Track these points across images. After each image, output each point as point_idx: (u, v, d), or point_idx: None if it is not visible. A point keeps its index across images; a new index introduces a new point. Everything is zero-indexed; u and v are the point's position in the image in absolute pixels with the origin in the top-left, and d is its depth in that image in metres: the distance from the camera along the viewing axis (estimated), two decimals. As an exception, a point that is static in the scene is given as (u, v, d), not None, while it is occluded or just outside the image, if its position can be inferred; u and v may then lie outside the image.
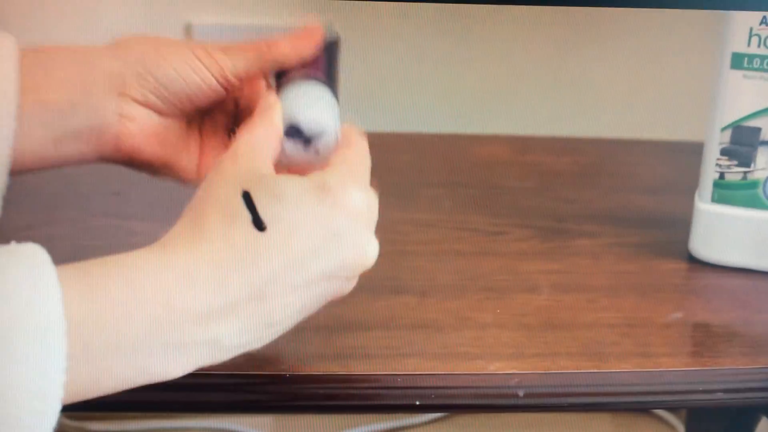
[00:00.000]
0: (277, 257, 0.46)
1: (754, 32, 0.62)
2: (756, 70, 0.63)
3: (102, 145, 0.53)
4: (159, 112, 0.54)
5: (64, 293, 0.41)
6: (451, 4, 0.84)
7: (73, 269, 0.43)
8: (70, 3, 0.85)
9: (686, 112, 0.80)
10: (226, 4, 0.91)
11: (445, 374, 0.55)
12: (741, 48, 0.63)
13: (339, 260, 0.48)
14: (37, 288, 0.40)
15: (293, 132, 0.52)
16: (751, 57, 0.63)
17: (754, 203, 0.66)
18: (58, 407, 0.40)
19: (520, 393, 0.55)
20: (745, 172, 0.66)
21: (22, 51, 0.51)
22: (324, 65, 0.56)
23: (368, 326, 0.59)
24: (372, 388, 0.55)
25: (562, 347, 0.58)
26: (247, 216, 0.46)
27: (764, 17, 0.62)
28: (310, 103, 0.53)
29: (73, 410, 0.42)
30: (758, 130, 0.64)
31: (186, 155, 0.56)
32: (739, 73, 0.64)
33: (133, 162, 0.55)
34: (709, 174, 0.67)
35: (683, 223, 0.69)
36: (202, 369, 0.46)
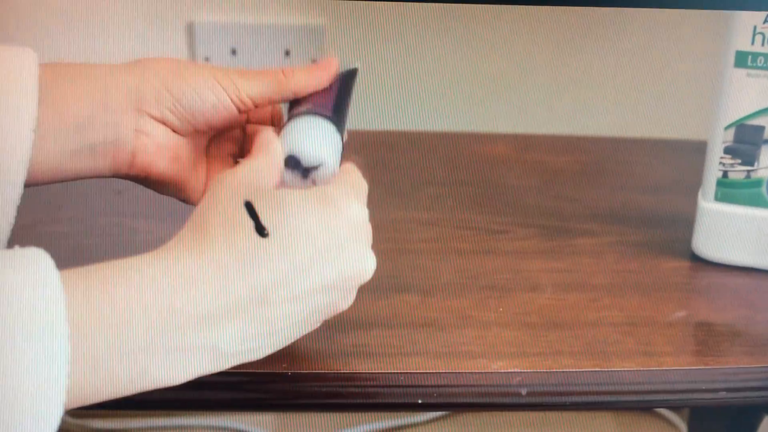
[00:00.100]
0: (278, 264, 0.47)
1: (758, 30, 0.62)
2: (760, 68, 0.63)
3: (117, 160, 0.54)
4: (174, 129, 0.55)
5: (68, 298, 0.41)
6: (451, 3, 0.84)
7: (76, 273, 0.43)
8: (73, 3, 0.85)
9: (690, 111, 0.80)
10: (229, 3, 0.91)
11: (447, 373, 0.55)
12: (745, 46, 0.63)
13: (339, 270, 0.49)
14: (40, 293, 0.41)
15: (292, 163, 0.53)
16: (755, 55, 0.63)
17: (757, 202, 0.66)
18: (61, 412, 0.41)
19: (523, 392, 0.55)
20: (748, 171, 0.66)
21: (42, 65, 0.52)
22: (334, 99, 0.56)
23: (370, 325, 0.59)
24: (374, 386, 0.55)
25: (564, 346, 0.58)
26: (249, 223, 0.47)
27: (768, 15, 0.62)
28: (311, 137, 0.54)
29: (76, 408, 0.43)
30: (762, 128, 0.64)
31: (195, 176, 0.57)
32: (742, 72, 0.63)
33: (146, 178, 0.56)
34: (712, 172, 0.67)
35: (686, 222, 0.69)
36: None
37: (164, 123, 0.54)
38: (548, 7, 0.88)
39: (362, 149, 0.81)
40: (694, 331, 0.61)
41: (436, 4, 0.87)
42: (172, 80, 0.53)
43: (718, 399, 0.57)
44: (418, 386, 0.55)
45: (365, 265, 0.50)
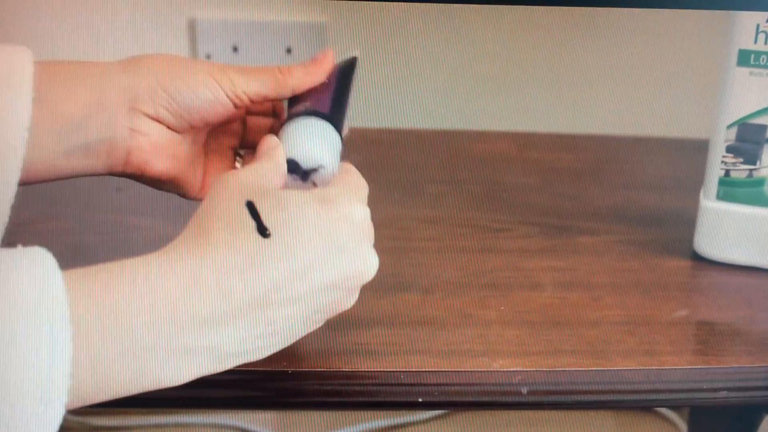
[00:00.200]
0: (280, 265, 0.47)
1: (761, 29, 0.62)
2: (763, 67, 0.63)
3: (113, 158, 0.54)
4: (169, 127, 0.55)
5: (70, 299, 0.41)
6: (454, 4, 0.84)
7: (79, 274, 0.43)
8: (74, 0, 0.84)
9: (692, 109, 0.80)
10: (231, 0, 0.91)
11: (448, 371, 0.55)
12: (748, 45, 0.63)
13: (341, 270, 0.49)
14: (43, 293, 0.41)
15: (292, 166, 0.53)
16: (758, 54, 0.63)
17: (759, 201, 0.66)
18: (63, 412, 0.41)
19: (524, 390, 0.55)
20: (750, 170, 0.65)
21: (37, 63, 0.52)
22: (332, 95, 0.56)
23: (371, 323, 0.59)
24: (375, 384, 0.55)
25: (565, 345, 0.58)
26: (251, 224, 0.47)
27: (771, 14, 0.62)
28: (309, 140, 0.54)
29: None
30: (764, 127, 0.64)
31: (192, 172, 0.57)
32: (745, 70, 0.63)
33: (142, 176, 0.55)
34: (714, 171, 0.66)
35: (688, 221, 0.69)
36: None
37: (160, 121, 0.54)
38: (550, 10, 0.88)
39: (363, 147, 0.81)
40: (695, 331, 0.61)
41: (438, 3, 0.86)
42: (167, 78, 0.53)
43: (718, 399, 0.57)
44: (419, 385, 0.55)
45: (367, 264, 0.50)
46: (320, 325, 0.50)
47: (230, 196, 0.48)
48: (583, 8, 0.89)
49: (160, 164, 0.55)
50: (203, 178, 0.58)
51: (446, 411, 0.99)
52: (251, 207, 0.47)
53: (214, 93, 0.54)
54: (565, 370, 0.55)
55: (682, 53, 0.92)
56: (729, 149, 0.66)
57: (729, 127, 0.65)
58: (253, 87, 0.54)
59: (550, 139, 0.88)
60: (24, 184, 0.52)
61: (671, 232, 0.71)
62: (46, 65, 0.52)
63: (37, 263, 0.42)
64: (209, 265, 0.45)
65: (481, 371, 0.55)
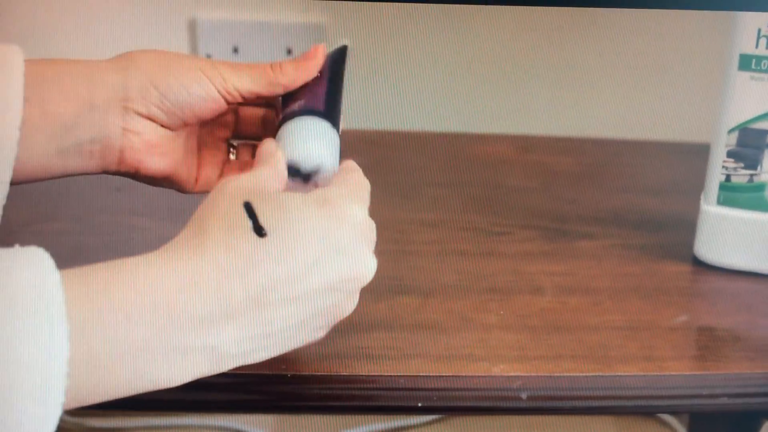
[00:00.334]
0: (277, 265, 0.46)
1: (762, 33, 0.62)
2: (764, 72, 0.63)
3: (106, 158, 0.54)
4: (162, 125, 0.54)
5: (67, 298, 0.41)
6: (453, 4, 0.83)
7: (76, 274, 0.43)
8: (74, -3, 0.84)
9: (693, 114, 0.80)
10: (231, 1, 0.91)
11: (448, 376, 0.55)
12: (749, 49, 0.63)
13: (339, 272, 0.48)
14: (40, 294, 0.41)
15: (293, 170, 0.53)
16: (759, 58, 0.63)
17: (760, 206, 0.66)
18: (59, 412, 0.41)
19: (524, 396, 0.55)
20: (751, 175, 0.65)
21: (28, 61, 0.52)
22: (325, 89, 0.56)
23: (371, 327, 0.59)
24: (374, 389, 0.55)
25: (565, 349, 0.58)
26: (248, 224, 0.47)
27: (773, 19, 0.62)
28: (308, 140, 0.54)
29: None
30: (765, 132, 0.64)
31: (186, 166, 0.57)
32: (746, 75, 0.63)
33: (137, 174, 0.55)
34: (715, 176, 0.66)
35: (688, 226, 0.69)
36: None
37: (152, 119, 0.54)
38: (551, 12, 0.88)
39: (363, 149, 0.81)
40: (696, 336, 0.61)
41: (438, 5, 0.86)
42: (158, 75, 0.53)
43: (718, 404, 0.57)
44: (419, 389, 0.55)
45: (365, 267, 0.50)
46: (320, 335, 0.50)
47: (229, 199, 0.48)
48: (584, 13, 0.89)
49: (154, 162, 0.55)
50: (198, 171, 0.58)
51: (444, 415, 0.99)
52: (248, 207, 0.47)
53: (206, 90, 0.53)
54: (565, 376, 0.55)
55: (683, 57, 0.92)
56: (730, 154, 0.66)
57: (730, 131, 0.65)
58: (245, 84, 0.54)
59: (550, 142, 0.88)
60: (17, 183, 0.52)
61: (671, 237, 0.71)
62: (36, 64, 0.52)
63: (34, 263, 0.42)
64: (207, 264, 0.45)
65: (480, 376, 0.55)
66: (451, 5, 0.86)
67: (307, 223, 0.48)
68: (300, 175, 0.53)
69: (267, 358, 0.48)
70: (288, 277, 0.47)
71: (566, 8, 0.87)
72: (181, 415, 0.99)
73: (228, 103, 0.55)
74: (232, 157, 0.59)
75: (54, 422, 0.41)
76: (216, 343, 0.45)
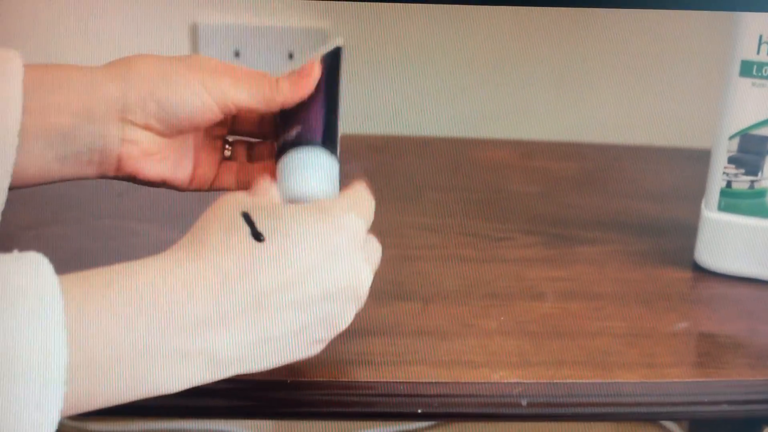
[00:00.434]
0: (275, 270, 0.47)
1: (763, 40, 0.62)
2: (765, 78, 0.63)
3: (104, 165, 0.54)
4: (159, 133, 0.55)
5: (66, 303, 0.41)
6: (454, 7, 0.83)
7: (74, 279, 0.43)
8: (77, 2, 0.84)
9: (694, 119, 0.80)
10: (232, 5, 0.91)
11: (448, 382, 0.55)
12: (750, 56, 0.63)
13: (335, 280, 0.49)
14: (39, 299, 0.41)
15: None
16: (761, 65, 0.63)
17: (760, 212, 0.66)
18: (57, 418, 0.41)
19: (524, 402, 0.55)
20: (752, 181, 0.65)
21: (27, 67, 0.52)
22: (322, 112, 0.56)
23: (371, 332, 0.58)
24: (374, 395, 0.55)
25: (566, 356, 0.58)
26: (246, 230, 0.47)
27: (774, 25, 0.62)
28: (306, 174, 0.54)
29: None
30: (766, 138, 0.64)
31: (182, 168, 0.57)
32: (747, 81, 0.63)
33: (134, 179, 0.56)
34: (716, 182, 0.66)
35: (689, 231, 0.69)
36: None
37: (149, 129, 0.54)
38: (553, 13, 0.88)
39: (365, 154, 0.81)
40: (696, 343, 0.60)
41: (439, 9, 0.86)
42: (156, 87, 0.53)
43: (719, 411, 0.57)
44: (419, 395, 0.55)
45: (360, 277, 0.50)
46: (316, 349, 0.50)
47: (227, 208, 0.49)
48: (586, 17, 0.89)
49: (151, 167, 0.55)
50: (193, 170, 0.58)
51: (444, 421, 0.99)
52: (246, 216, 0.48)
53: (204, 103, 0.54)
54: (566, 383, 0.55)
55: (685, 63, 0.92)
56: (731, 160, 0.65)
57: (731, 138, 0.65)
58: (243, 99, 0.55)
59: (552, 148, 0.88)
60: (15, 188, 0.52)
61: (672, 243, 0.71)
62: (35, 70, 0.52)
63: (33, 269, 0.42)
64: (205, 267, 0.46)
65: (481, 382, 0.55)
66: (451, 6, 0.86)
67: (305, 229, 0.48)
68: None
69: (265, 368, 0.48)
70: (285, 282, 0.47)
71: (569, 12, 0.87)
72: (181, 420, 0.99)
73: (225, 115, 0.55)
74: (227, 153, 0.60)
75: (53, 428, 0.41)
76: (213, 347, 0.45)
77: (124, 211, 0.72)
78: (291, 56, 0.91)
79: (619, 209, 0.77)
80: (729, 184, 0.66)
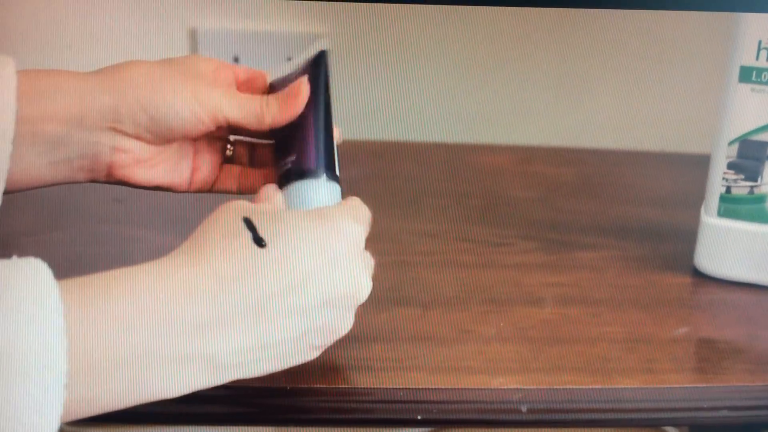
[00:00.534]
0: (275, 275, 0.47)
1: (763, 45, 0.62)
2: (764, 84, 0.63)
3: (95, 171, 0.55)
4: (151, 143, 0.55)
5: (66, 309, 0.41)
6: (453, 13, 0.83)
7: (74, 284, 0.43)
8: (76, 7, 0.84)
9: (693, 125, 0.80)
10: (231, 10, 0.91)
11: (447, 389, 0.55)
12: (749, 61, 0.63)
13: (335, 286, 0.49)
14: (39, 304, 0.41)
15: None
16: (760, 70, 0.63)
17: (760, 218, 0.65)
18: (57, 424, 0.41)
19: (523, 408, 0.54)
20: (751, 187, 0.65)
21: (20, 74, 0.52)
22: (314, 139, 0.56)
23: (370, 339, 0.58)
24: (373, 401, 0.55)
25: (565, 362, 0.58)
26: (247, 235, 0.48)
27: (773, 31, 0.62)
28: (307, 206, 0.55)
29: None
30: (766, 144, 0.64)
31: (178, 171, 0.57)
32: (747, 87, 0.63)
33: (126, 184, 0.56)
34: (715, 188, 0.66)
35: (688, 237, 0.69)
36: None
37: (140, 139, 0.54)
38: (552, 18, 0.88)
39: (363, 160, 0.81)
40: (696, 348, 0.60)
41: (438, 14, 0.86)
42: (148, 97, 0.53)
43: (719, 417, 0.57)
44: (418, 402, 0.54)
45: (359, 284, 0.50)
46: (314, 354, 0.50)
47: (230, 215, 0.49)
48: (585, 22, 0.89)
49: (143, 173, 0.56)
50: (192, 173, 0.58)
51: (443, 427, 0.99)
52: (248, 222, 0.48)
53: (196, 116, 0.54)
54: (565, 389, 0.55)
55: (684, 69, 0.92)
56: (730, 166, 0.65)
57: (730, 143, 0.65)
58: (235, 115, 0.55)
59: (551, 153, 0.88)
60: (7, 193, 0.52)
61: (672, 248, 0.71)
62: (27, 77, 0.52)
63: (32, 274, 0.42)
64: (205, 272, 0.46)
65: (480, 389, 0.55)
66: (450, 12, 0.86)
67: (305, 235, 0.49)
68: None
69: (264, 373, 0.48)
70: (285, 288, 0.47)
71: (568, 17, 0.87)
72: (180, 426, 0.99)
73: (217, 127, 0.55)
74: (229, 153, 0.59)
75: None
76: (213, 352, 0.45)
77: (123, 216, 0.72)
78: (290, 59, 0.91)
79: (618, 215, 0.77)
80: (728, 189, 0.66)
